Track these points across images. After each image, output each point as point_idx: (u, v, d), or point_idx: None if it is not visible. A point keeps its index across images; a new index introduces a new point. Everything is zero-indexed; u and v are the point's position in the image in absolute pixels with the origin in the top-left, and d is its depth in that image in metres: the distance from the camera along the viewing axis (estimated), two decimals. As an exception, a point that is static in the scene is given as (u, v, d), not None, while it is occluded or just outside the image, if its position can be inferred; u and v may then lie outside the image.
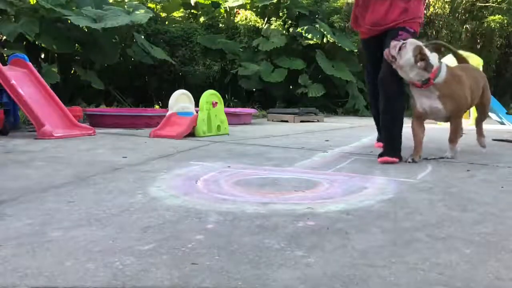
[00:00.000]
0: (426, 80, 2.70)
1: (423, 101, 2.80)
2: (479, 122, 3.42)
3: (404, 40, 2.75)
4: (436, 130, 4.80)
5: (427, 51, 2.70)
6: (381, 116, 2.97)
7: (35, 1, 6.86)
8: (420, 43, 2.72)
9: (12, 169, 2.40)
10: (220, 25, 10.21)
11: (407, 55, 2.67)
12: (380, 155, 2.83)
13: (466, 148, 3.53)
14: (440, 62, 2.76)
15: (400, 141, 2.88)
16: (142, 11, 7.60)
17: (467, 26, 11.94)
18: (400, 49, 2.69)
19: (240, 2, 9.88)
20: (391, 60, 2.73)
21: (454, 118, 2.88)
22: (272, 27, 9.70)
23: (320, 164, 2.78)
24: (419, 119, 2.90)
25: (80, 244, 1.25)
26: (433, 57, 2.72)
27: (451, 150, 2.96)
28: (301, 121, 7.32)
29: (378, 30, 3.04)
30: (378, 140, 3.47)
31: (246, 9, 10.44)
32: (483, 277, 1.07)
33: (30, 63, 4.45)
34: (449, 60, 3.69)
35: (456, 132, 2.95)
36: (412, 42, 2.71)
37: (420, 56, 2.65)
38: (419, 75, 2.69)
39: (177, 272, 1.07)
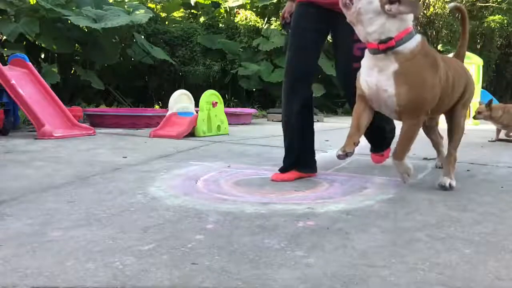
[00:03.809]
0: (387, 39, 1.81)
1: (370, 72, 1.89)
2: (450, 142, 2.19)
3: None
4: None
5: None
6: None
7: (35, 1, 6.86)
8: None
9: (12, 169, 2.40)
10: (220, 25, 10.22)
11: None
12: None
13: (466, 148, 3.53)
14: (415, 30, 1.88)
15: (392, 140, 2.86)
16: (142, 11, 7.62)
17: (467, 26, 11.91)
18: None
19: (240, 2, 9.90)
20: (346, 3, 1.86)
21: (408, 117, 1.89)
22: (272, 27, 9.71)
23: (320, 164, 2.78)
24: (362, 100, 1.98)
25: (80, 244, 1.25)
26: (408, 15, 1.83)
27: (398, 166, 1.99)
28: (301, 121, 7.32)
29: None
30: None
31: (246, 9, 10.46)
32: (483, 277, 1.07)
33: (30, 63, 4.46)
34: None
35: (405, 141, 1.93)
36: None
37: None
38: (381, 31, 1.81)
39: (177, 272, 1.07)
